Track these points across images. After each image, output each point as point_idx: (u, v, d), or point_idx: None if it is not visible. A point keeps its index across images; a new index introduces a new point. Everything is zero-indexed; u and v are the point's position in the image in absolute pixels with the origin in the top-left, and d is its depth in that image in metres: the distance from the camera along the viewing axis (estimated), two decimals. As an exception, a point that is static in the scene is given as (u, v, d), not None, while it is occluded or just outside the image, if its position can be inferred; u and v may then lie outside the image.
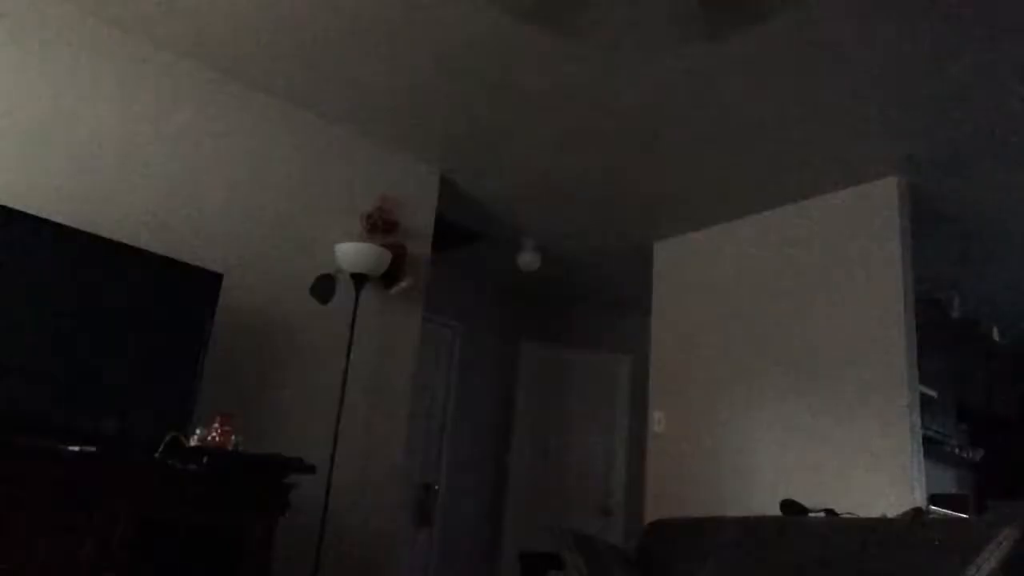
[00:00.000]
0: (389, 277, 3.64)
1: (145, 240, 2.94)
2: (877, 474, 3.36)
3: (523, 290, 5.91)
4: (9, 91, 2.84)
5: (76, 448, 2.17)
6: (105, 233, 2.76)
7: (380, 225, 3.66)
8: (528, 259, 4.90)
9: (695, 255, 4.53)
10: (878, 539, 2.40)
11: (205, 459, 2.38)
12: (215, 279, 2.88)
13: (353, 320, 3.41)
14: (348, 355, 3.35)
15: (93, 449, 2.19)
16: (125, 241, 2.78)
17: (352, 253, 3.40)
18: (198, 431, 2.49)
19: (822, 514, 3.03)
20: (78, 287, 2.57)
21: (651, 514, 4.14)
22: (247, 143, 3.43)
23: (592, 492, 5.78)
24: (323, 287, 3.39)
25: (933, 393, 3.92)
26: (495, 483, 5.70)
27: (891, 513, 2.90)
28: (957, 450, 4.43)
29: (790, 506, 3.17)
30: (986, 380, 4.73)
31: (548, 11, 2.80)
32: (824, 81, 3.07)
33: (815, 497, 3.40)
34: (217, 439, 2.46)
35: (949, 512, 3.69)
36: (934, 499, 3.90)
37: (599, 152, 3.81)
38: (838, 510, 3.09)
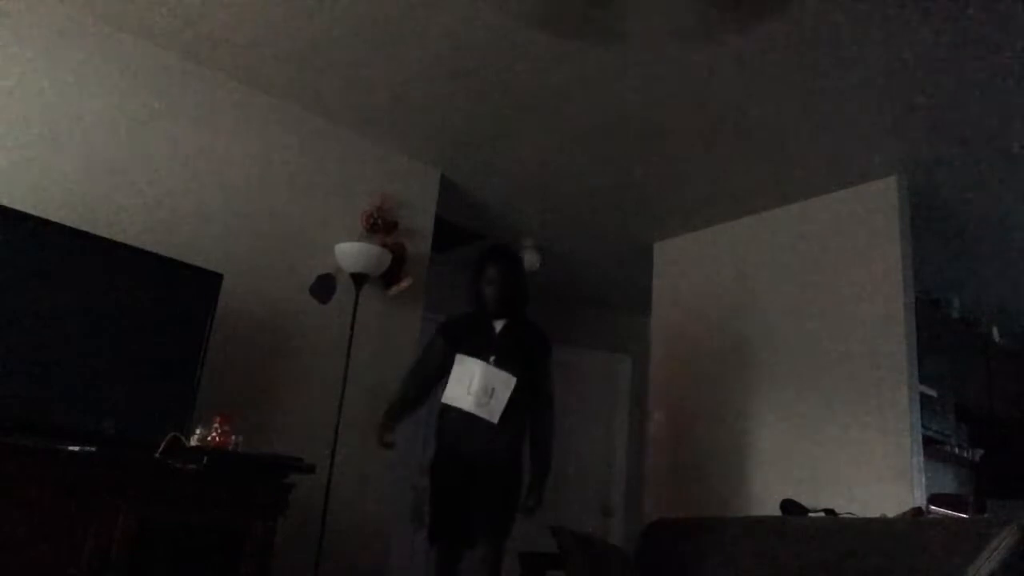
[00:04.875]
0: (389, 277, 3.64)
1: (145, 240, 2.93)
2: (877, 474, 3.36)
3: (523, 290, 5.88)
4: (10, 91, 2.84)
5: (76, 448, 2.17)
6: (105, 233, 2.75)
7: (380, 225, 3.66)
8: (528, 259, 4.89)
9: (695, 255, 4.53)
10: (878, 539, 2.39)
11: (205, 459, 2.37)
12: (215, 279, 2.87)
13: (353, 320, 3.41)
14: (348, 355, 3.35)
15: (93, 449, 2.19)
16: (125, 241, 2.78)
17: (352, 253, 3.40)
18: (198, 431, 2.48)
19: (822, 514, 3.03)
20: (78, 287, 2.57)
21: (651, 514, 4.13)
22: (247, 143, 3.43)
23: (592, 492, 5.77)
24: (323, 287, 3.39)
25: (933, 393, 3.92)
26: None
27: (891, 513, 2.90)
28: (957, 450, 4.43)
29: (790, 506, 3.17)
30: (986, 380, 4.73)
31: (548, 11, 2.80)
32: (824, 81, 3.07)
33: (815, 497, 3.40)
34: (217, 439, 2.46)
35: (949, 512, 3.69)
36: (934, 499, 3.89)
37: (599, 152, 3.81)
38: (838, 510, 3.09)
